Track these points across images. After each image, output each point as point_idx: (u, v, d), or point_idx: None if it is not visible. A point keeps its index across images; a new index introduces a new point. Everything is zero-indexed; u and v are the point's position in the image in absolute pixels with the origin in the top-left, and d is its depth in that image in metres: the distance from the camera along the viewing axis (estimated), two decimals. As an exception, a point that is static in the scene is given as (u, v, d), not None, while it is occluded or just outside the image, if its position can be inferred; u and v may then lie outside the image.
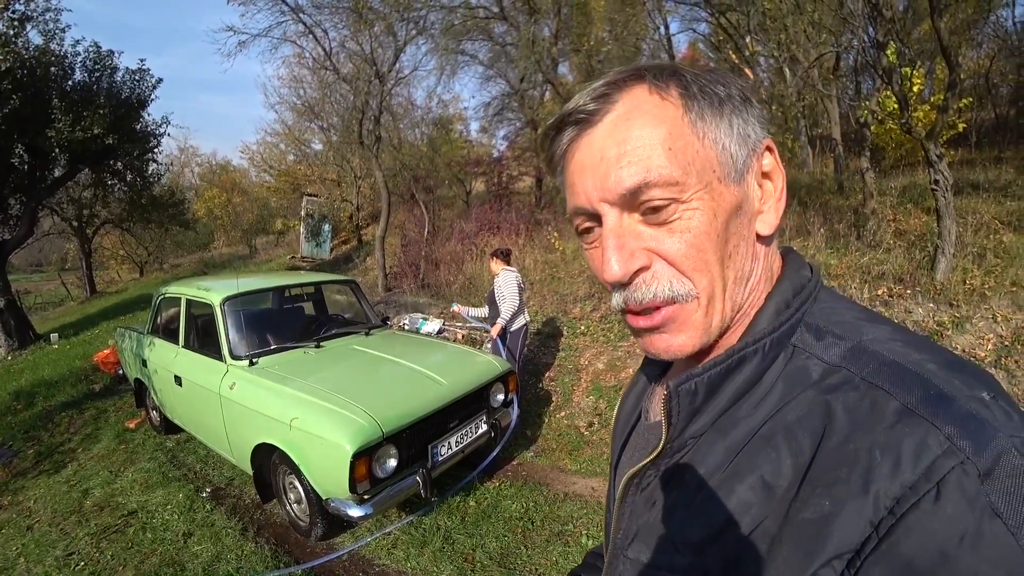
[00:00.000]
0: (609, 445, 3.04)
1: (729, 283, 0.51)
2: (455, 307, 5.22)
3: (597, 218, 0.51)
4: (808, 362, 0.48)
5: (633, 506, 0.59)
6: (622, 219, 0.50)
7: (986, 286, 5.12)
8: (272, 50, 12.29)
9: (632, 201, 0.49)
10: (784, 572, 0.43)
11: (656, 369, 0.71)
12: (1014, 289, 5.01)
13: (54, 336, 10.66)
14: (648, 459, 0.55)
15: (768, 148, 0.52)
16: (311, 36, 9.23)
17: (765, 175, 0.53)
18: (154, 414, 5.07)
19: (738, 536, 0.46)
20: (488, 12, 8.57)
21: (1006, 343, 4.44)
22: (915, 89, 9.20)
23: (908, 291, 5.38)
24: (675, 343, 0.52)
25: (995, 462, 0.37)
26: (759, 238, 0.53)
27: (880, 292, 5.51)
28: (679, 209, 0.48)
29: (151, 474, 4.24)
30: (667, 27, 11.20)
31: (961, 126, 9.44)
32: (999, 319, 4.68)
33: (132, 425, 5.37)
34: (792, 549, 0.42)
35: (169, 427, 4.87)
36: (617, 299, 0.53)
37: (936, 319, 4.93)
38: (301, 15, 8.74)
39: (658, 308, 0.50)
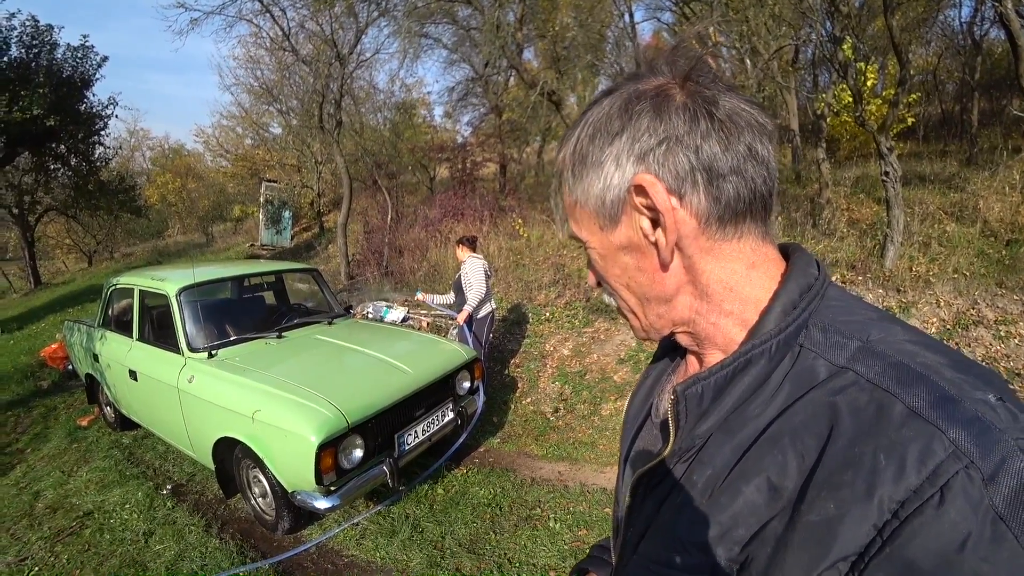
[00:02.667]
0: (575, 431, 3.10)
1: (640, 303, 0.59)
2: (419, 295, 5.19)
3: None
4: (815, 362, 0.48)
5: (643, 505, 0.60)
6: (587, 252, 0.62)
7: (931, 273, 5.39)
8: (227, 29, 11.82)
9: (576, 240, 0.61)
10: (790, 574, 0.44)
11: (665, 365, 0.74)
12: (956, 276, 5.29)
13: (-5, 330, 10.10)
14: (657, 459, 0.57)
15: (638, 186, 0.51)
16: (268, 15, 8.89)
17: (650, 209, 0.52)
18: (108, 410, 4.89)
19: (744, 536, 0.47)
20: (453, -5, 8.43)
21: (948, 326, 4.69)
22: (868, 84, 9.53)
23: (860, 277, 5.62)
24: (633, 333, 0.65)
25: (999, 466, 0.37)
26: (664, 265, 0.54)
27: (834, 279, 5.72)
28: (587, 250, 0.60)
29: (107, 473, 4.09)
30: (631, 15, 11.24)
31: (910, 120, 9.85)
32: (942, 304, 4.94)
33: (84, 423, 5.16)
34: (798, 551, 0.43)
35: (124, 423, 4.70)
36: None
37: (885, 304, 5.17)
38: (257, -7, 8.40)
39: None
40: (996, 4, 5.01)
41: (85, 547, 3.22)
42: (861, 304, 0.53)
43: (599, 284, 0.63)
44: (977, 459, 0.38)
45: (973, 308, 4.77)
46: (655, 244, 0.53)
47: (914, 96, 10.23)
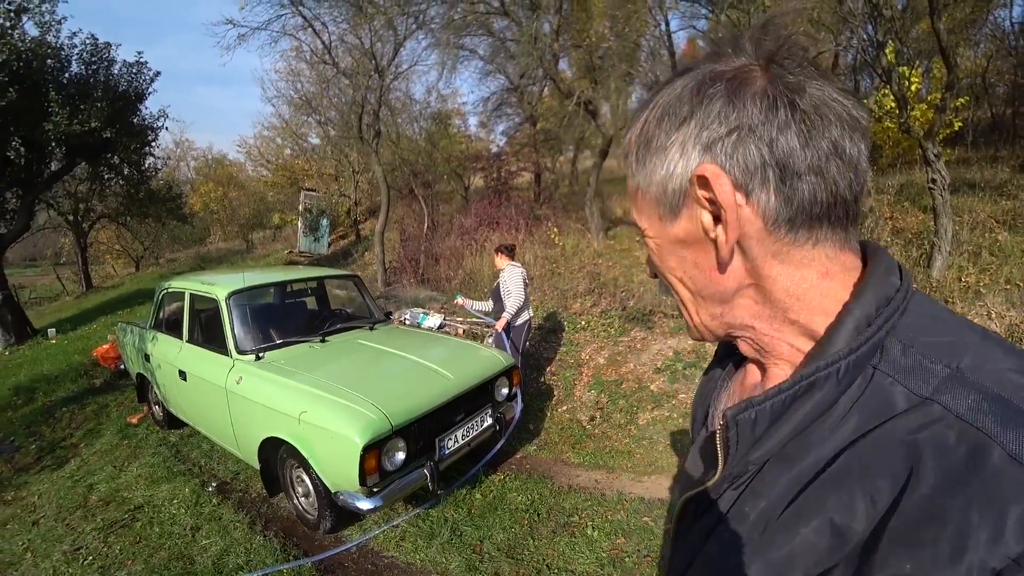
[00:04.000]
0: (611, 439, 3.08)
1: (695, 300, 0.55)
2: (459, 299, 5.23)
3: None
4: (892, 389, 0.42)
5: (689, 532, 0.56)
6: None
7: (981, 284, 5.18)
8: (271, 43, 12.23)
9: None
10: None
11: (722, 368, 0.69)
12: (1008, 287, 5.08)
13: (52, 331, 10.62)
14: (702, 487, 0.53)
15: (701, 177, 0.47)
16: (310, 29, 9.19)
17: (712, 203, 0.47)
18: (157, 409, 5.08)
19: None
20: (489, 7, 8.54)
21: (1003, 339, 4.49)
22: (913, 88, 9.25)
23: (905, 288, 5.43)
24: (688, 331, 0.60)
25: None
26: (724, 265, 0.49)
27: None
28: (647, 240, 0.56)
29: (156, 469, 4.25)
30: (667, 24, 11.21)
31: (958, 125, 9.51)
32: (994, 316, 4.74)
33: (135, 420, 5.37)
34: None
35: (172, 422, 4.88)
36: None
37: (933, 316, 4.98)
38: (301, 8, 8.70)
39: None
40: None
41: (136, 539, 3.35)
42: (956, 320, 0.46)
43: (655, 275, 0.60)
44: None
45: (1027, 322, 4.56)
46: (714, 241, 0.48)
47: (962, 100, 9.88)
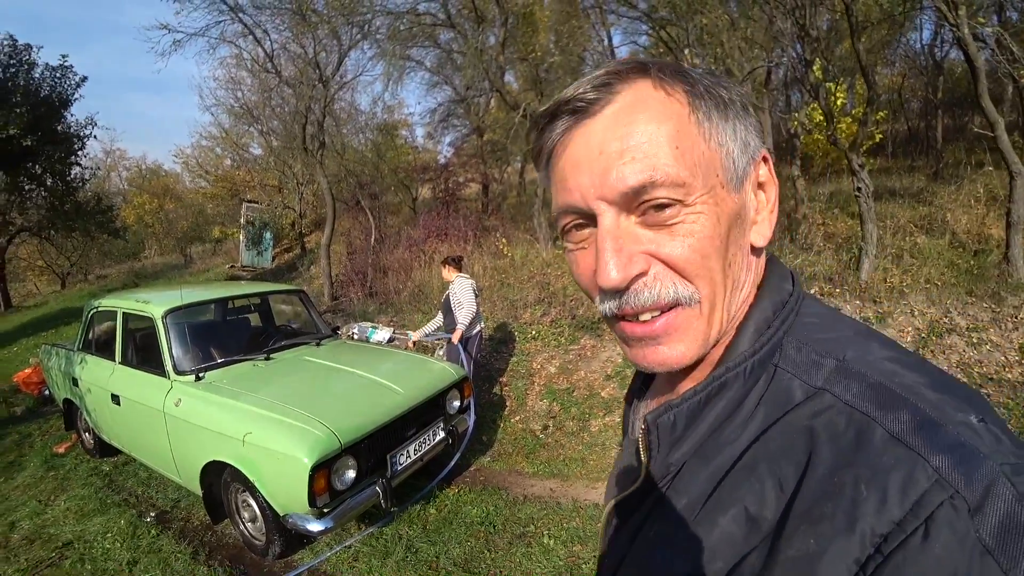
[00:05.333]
0: (564, 447, 3.11)
1: (728, 292, 0.49)
2: (412, 337, 5.12)
3: (590, 217, 0.49)
4: (791, 383, 0.46)
5: (618, 535, 0.57)
6: (619, 220, 0.47)
7: (904, 284, 5.57)
8: (209, 51, 11.82)
9: (632, 201, 0.46)
10: None
11: (637, 380, 0.69)
12: (928, 286, 5.48)
13: (-36, 355, 9.78)
14: (630, 489, 0.55)
15: (764, 158, 0.51)
16: (251, 37, 8.93)
17: (760, 185, 0.52)
18: (87, 436, 4.77)
19: (722, 571, 0.44)
20: (435, 19, 8.56)
21: (923, 335, 4.84)
22: (838, 103, 9.88)
23: (837, 290, 5.78)
24: (672, 354, 0.49)
25: (985, 495, 0.35)
26: (753, 249, 0.52)
27: (813, 291, 5.87)
28: (683, 212, 0.46)
29: (87, 501, 3.98)
30: (610, 39, 11.55)
31: (878, 137, 10.22)
32: (916, 313, 5.10)
33: (61, 450, 5.01)
34: None
35: (104, 450, 4.58)
36: (608, 305, 0.50)
37: (862, 315, 5.32)
38: (241, 15, 8.44)
39: (659, 314, 0.48)
40: (954, 29, 5.28)
41: (65, 579, 3.13)
42: (838, 319, 0.51)
43: (639, 277, 0.47)
44: (962, 488, 0.36)
45: (946, 316, 4.93)
46: (757, 223, 0.52)
47: (881, 114, 10.64)
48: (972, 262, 5.75)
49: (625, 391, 0.71)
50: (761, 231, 0.52)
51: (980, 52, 5.45)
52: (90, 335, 4.52)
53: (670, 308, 0.48)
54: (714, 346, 0.52)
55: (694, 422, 0.49)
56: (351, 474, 2.85)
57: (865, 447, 0.39)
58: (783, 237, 7.48)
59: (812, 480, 0.41)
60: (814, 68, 6.46)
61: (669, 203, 0.45)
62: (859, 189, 5.95)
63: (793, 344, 0.48)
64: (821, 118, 10.21)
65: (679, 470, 0.50)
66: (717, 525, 0.45)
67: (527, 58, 9.20)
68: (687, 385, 0.54)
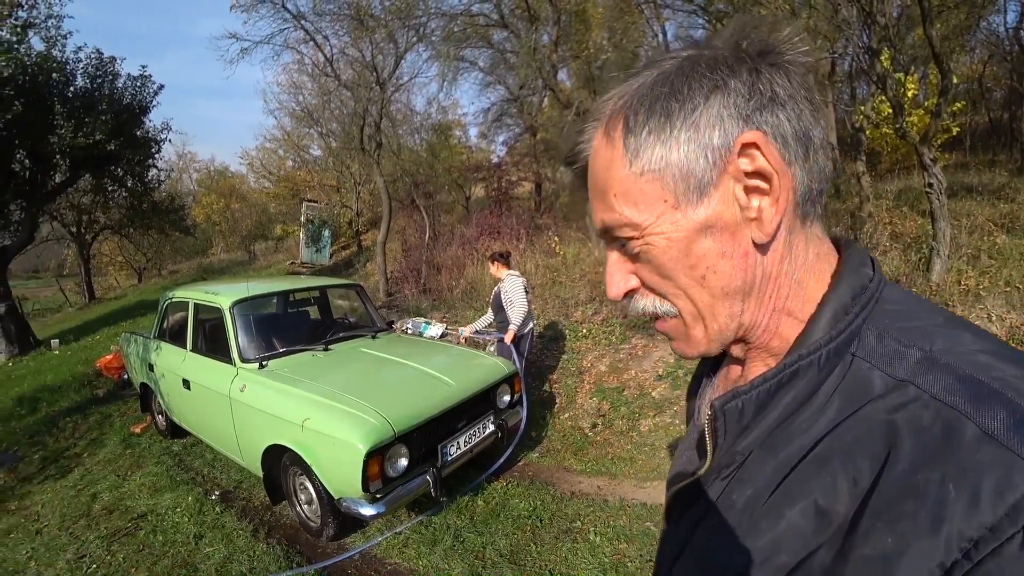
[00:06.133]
0: (613, 446, 3.08)
1: (715, 301, 0.49)
2: (464, 333, 5.21)
3: None
4: (870, 374, 0.43)
5: (678, 525, 0.56)
6: (612, 249, 0.54)
7: (981, 287, 5.20)
8: (274, 57, 12.40)
9: (607, 236, 0.53)
10: None
11: (707, 364, 0.69)
12: (1008, 289, 5.10)
13: (55, 342, 10.66)
14: (693, 478, 0.53)
15: (747, 145, 0.45)
16: (312, 43, 9.30)
17: (753, 175, 0.46)
18: (160, 418, 5.10)
19: (787, 565, 0.43)
20: (488, 20, 8.65)
21: (1001, 341, 4.50)
22: (909, 94, 9.33)
23: (905, 293, 5.46)
24: (682, 349, 0.54)
25: None
26: (759, 246, 0.47)
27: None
28: (638, 243, 0.50)
29: (159, 478, 4.27)
30: (665, 34, 11.32)
31: (955, 130, 9.57)
32: (994, 319, 4.75)
33: (138, 430, 5.39)
34: None
35: (175, 431, 4.89)
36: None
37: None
38: (303, 22, 8.81)
39: (658, 318, 0.54)
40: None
41: (140, 547, 3.36)
42: (925, 307, 0.47)
43: (631, 292, 0.54)
44: None
45: (1029, 323, 4.58)
46: (754, 219, 0.46)
47: (959, 105, 9.95)
48: (1059, 264, 5.31)
49: (679, 391, 0.71)
50: (760, 227, 0.46)
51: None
52: (165, 324, 4.83)
53: (659, 318, 0.53)
54: (756, 337, 0.51)
55: (763, 410, 0.47)
56: (403, 462, 2.94)
57: (954, 444, 0.37)
58: (847, 236, 7.14)
59: (891, 476, 0.38)
60: (882, 58, 6.11)
61: (627, 238, 0.50)
62: (930, 185, 5.59)
63: (873, 332, 0.45)
64: (889, 111, 9.69)
65: (744, 459, 0.49)
66: (784, 518, 0.44)
67: (580, 56, 9.15)
68: (756, 371, 0.53)
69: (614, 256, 0.54)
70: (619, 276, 0.54)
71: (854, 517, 0.40)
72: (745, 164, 0.45)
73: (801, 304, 0.49)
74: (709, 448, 0.51)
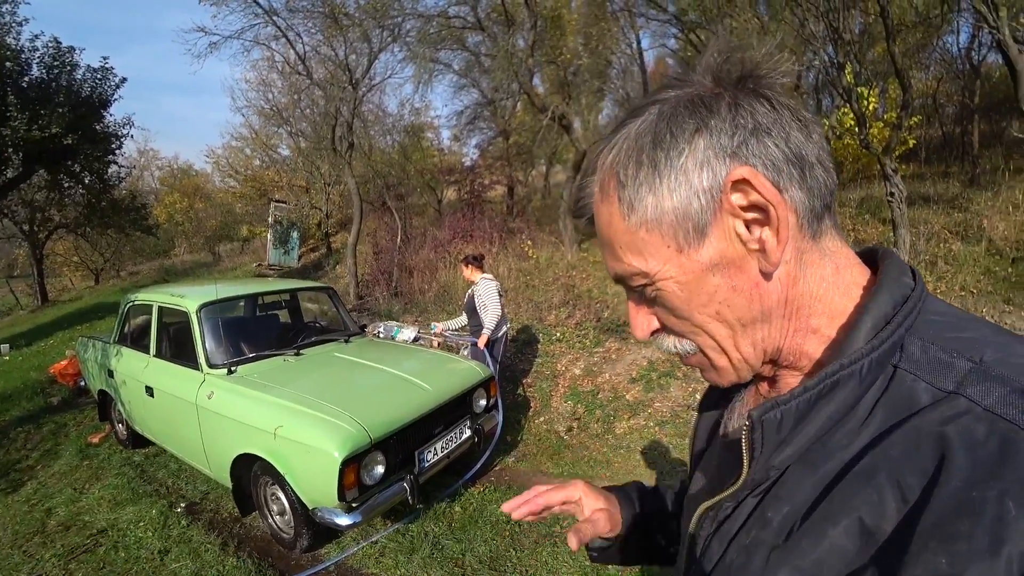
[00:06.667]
0: (589, 449, 3.08)
1: (734, 333, 0.50)
2: (436, 328, 5.16)
3: None
4: (915, 386, 0.42)
5: (708, 544, 0.54)
6: (631, 294, 0.55)
7: (938, 291, 5.42)
8: (244, 53, 12.08)
9: (623, 284, 0.54)
10: None
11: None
12: (963, 294, 5.32)
13: (5, 347, 10.12)
14: (725, 493, 0.52)
15: (738, 181, 0.45)
16: (284, 40, 9.12)
17: (749, 208, 0.45)
18: (120, 427, 4.89)
19: None
20: (465, 22, 8.62)
21: (960, 347, 4.69)
22: (871, 108, 9.68)
23: (868, 297, 5.65)
24: (715, 379, 0.55)
25: None
26: (768, 275, 0.47)
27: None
28: (651, 289, 0.51)
29: (119, 490, 4.08)
30: (639, 42, 11.50)
31: (912, 142, 9.98)
32: (952, 324, 4.94)
33: (95, 440, 5.15)
34: None
35: (137, 441, 4.69)
36: None
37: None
38: (275, 18, 8.63)
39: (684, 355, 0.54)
40: (993, 31, 5.14)
41: (100, 565, 3.20)
42: (972, 318, 0.46)
43: (656, 332, 0.55)
44: None
45: (984, 328, 4.78)
46: (758, 250, 0.46)
47: (916, 119, 10.39)
48: (1010, 270, 5.57)
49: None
50: (764, 258, 0.46)
51: (1021, 55, 5.28)
52: (126, 328, 4.64)
53: (682, 355, 0.54)
54: (787, 357, 0.51)
55: (802, 422, 0.46)
56: (380, 469, 2.87)
57: (1013, 459, 0.35)
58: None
59: (944, 493, 0.36)
60: (846, 72, 6.33)
61: (640, 287, 0.52)
62: (892, 194, 5.82)
63: (917, 343, 0.44)
64: (852, 123, 10.03)
65: (781, 475, 0.47)
66: (827, 536, 0.42)
67: (556, 61, 9.20)
68: (788, 386, 0.52)
69: (633, 301, 0.55)
70: (641, 318, 0.55)
71: (903, 536, 0.38)
72: (739, 199, 0.45)
73: (828, 320, 0.49)
74: (746, 461, 0.49)
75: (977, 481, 0.35)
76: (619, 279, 0.53)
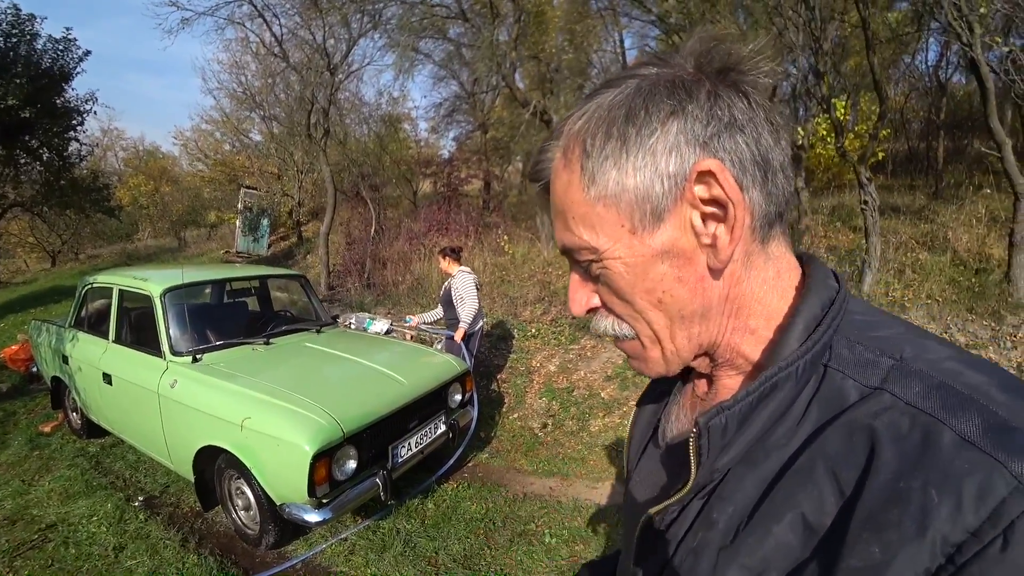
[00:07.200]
0: (564, 446, 3.05)
1: (672, 324, 0.50)
2: (411, 321, 5.05)
3: None
4: (844, 383, 0.44)
5: (655, 548, 0.54)
6: (575, 268, 0.54)
7: (906, 298, 5.56)
8: (217, 31, 11.68)
9: (569, 256, 0.53)
10: None
11: (668, 384, 0.66)
12: (928, 301, 5.48)
13: (-51, 329, 9.58)
14: (671, 500, 0.51)
15: (704, 173, 0.44)
16: (260, 20, 8.82)
17: (709, 202, 0.45)
18: (74, 416, 4.65)
19: None
20: (448, 12, 8.49)
21: (925, 352, 4.83)
22: (843, 118, 9.91)
23: (838, 302, 5.77)
24: (641, 368, 0.55)
25: None
26: (715, 271, 0.47)
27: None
28: (597, 266, 0.50)
29: (72, 483, 3.86)
30: (622, 41, 11.51)
31: (881, 155, 10.26)
32: (918, 329, 5.09)
33: (47, 429, 4.89)
34: None
35: (92, 430, 4.46)
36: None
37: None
38: (251, -3, 8.34)
39: (618, 339, 0.54)
40: (967, 48, 5.27)
41: (48, 562, 3.01)
42: (889, 318, 0.48)
43: (593, 310, 0.54)
44: None
45: (946, 333, 4.93)
46: (710, 245, 0.46)
47: (885, 132, 10.69)
48: (973, 280, 5.76)
49: (628, 391, 0.68)
50: (714, 254, 0.46)
51: (991, 73, 5.45)
52: (83, 312, 4.41)
53: (617, 339, 0.54)
54: (721, 353, 0.52)
55: (744, 425, 0.46)
56: (352, 464, 2.77)
57: (934, 451, 0.37)
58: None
59: (875, 484, 0.38)
60: (824, 81, 6.44)
61: (587, 262, 0.51)
62: (865, 202, 5.94)
63: (844, 343, 0.46)
64: (823, 132, 10.26)
65: (723, 476, 0.48)
66: (771, 533, 0.43)
67: (538, 55, 9.14)
68: (725, 386, 0.53)
69: (577, 275, 0.55)
70: (581, 294, 0.54)
71: (841, 528, 0.39)
72: (701, 191, 0.45)
73: (765, 321, 0.50)
74: (693, 466, 0.49)
75: (903, 472, 0.37)
76: (566, 251, 0.52)
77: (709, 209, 0.45)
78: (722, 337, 0.50)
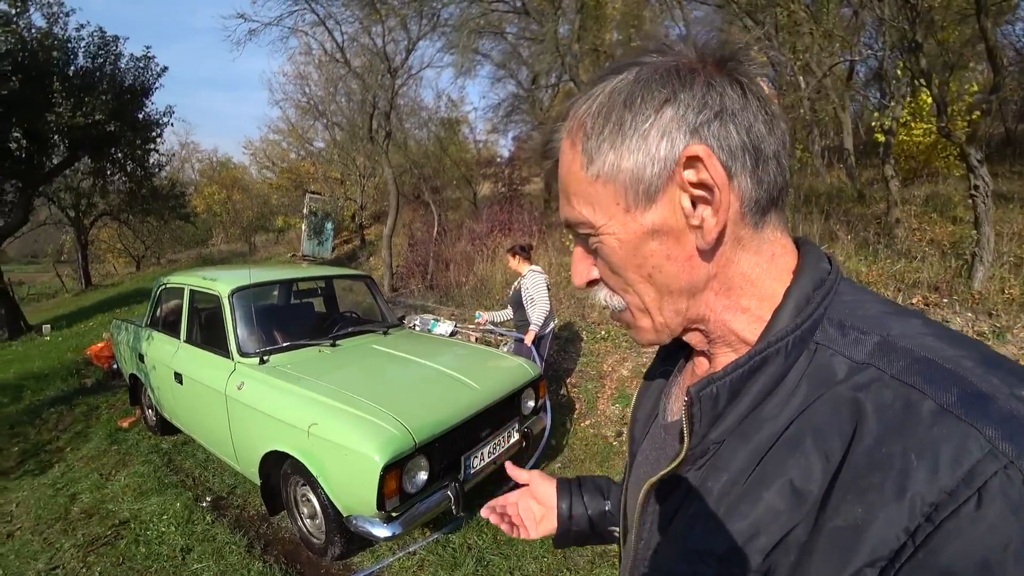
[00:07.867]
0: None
1: (661, 298, 0.52)
2: (481, 317, 4.86)
3: None
4: (833, 359, 0.45)
5: (654, 515, 0.56)
6: (578, 242, 0.57)
7: (1025, 297, 4.90)
8: (282, 40, 12.02)
9: (571, 230, 0.56)
10: None
11: (672, 364, 0.69)
12: (1052, 300, 4.80)
13: (46, 327, 10.31)
14: (669, 468, 0.52)
15: (692, 158, 0.46)
16: (323, 27, 8.97)
17: (698, 185, 0.47)
18: (150, 413, 4.74)
19: (767, 545, 0.44)
20: (508, 6, 8.31)
21: (1059, 357, 4.20)
22: (929, 101, 9.00)
23: (944, 300, 5.18)
24: (635, 336, 0.58)
25: None
26: (703, 251, 0.49)
27: (915, 300, 5.30)
28: (595, 240, 0.53)
29: (145, 479, 3.90)
30: (688, 32, 11.00)
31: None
32: (1043, 332, 4.45)
33: (125, 424, 5.03)
34: (823, 558, 0.40)
35: (166, 428, 4.52)
36: None
37: (975, 328, 4.74)
38: (314, 4, 8.48)
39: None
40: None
41: (119, 560, 3.00)
42: (875, 298, 0.50)
43: (593, 283, 0.57)
44: (1016, 458, 0.35)
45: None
46: (698, 227, 0.48)
47: (977, 115, 9.64)
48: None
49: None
50: (701, 235, 0.48)
51: None
52: (158, 312, 4.48)
53: (613, 311, 0.58)
54: (714, 329, 0.53)
55: (736, 397, 0.48)
56: (423, 476, 2.57)
57: (914, 419, 0.39)
58: (877, 241, 6.83)
59: (859, 451, 0.40)
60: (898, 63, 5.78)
61: (587, 234, 0.54)
62: (976, 188, 5.25)
63: (834, 321, 0.48)
64: (908, 117, 9.34)
65: (719, 448, 0.49)
66: (761, 500, 0.44)
67: (598, 48, 8.82)
68: (723, 363, 0.52)
69: (580, 249, 0.58)
70: (582, 267, 0.57)
71: (826, 493, 0.41)
72: (690, 175, 0.47)
73: (758, 302, 0.51)
74: (686, 434, 0.50)
75: (885, 439, 0.39)
76: (568, 224, 0.56)
77: (697, 192, 0.47)
78: (712, 314, 0.52)
